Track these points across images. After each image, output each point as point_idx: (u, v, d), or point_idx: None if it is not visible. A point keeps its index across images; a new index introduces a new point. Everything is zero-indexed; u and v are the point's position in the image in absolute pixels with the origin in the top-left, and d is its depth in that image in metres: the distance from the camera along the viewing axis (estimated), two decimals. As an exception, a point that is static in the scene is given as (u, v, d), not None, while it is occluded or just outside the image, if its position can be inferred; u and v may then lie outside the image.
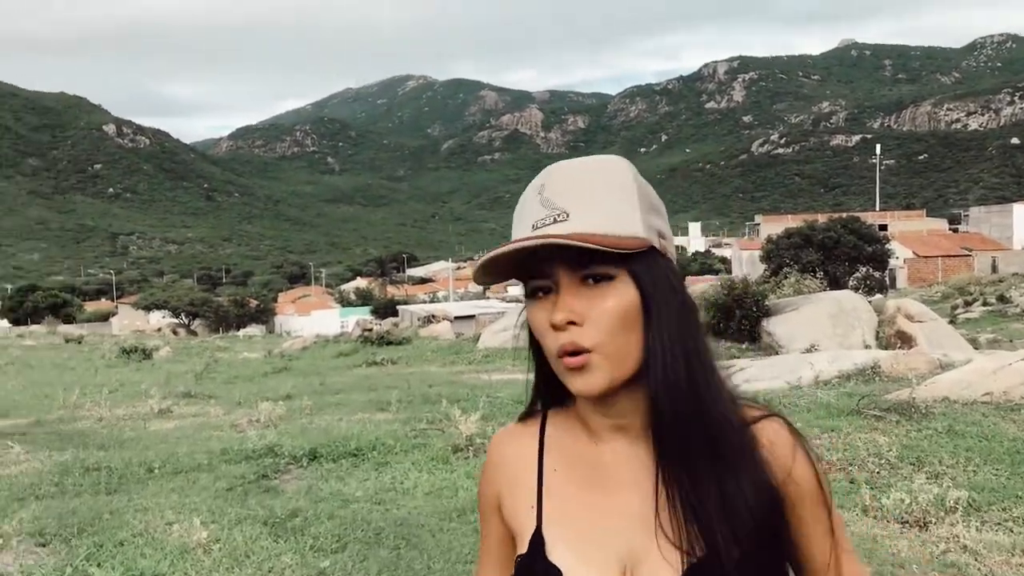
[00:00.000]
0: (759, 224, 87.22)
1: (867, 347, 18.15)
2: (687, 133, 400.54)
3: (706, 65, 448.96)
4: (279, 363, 21.39)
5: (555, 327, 1.05)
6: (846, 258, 43.66)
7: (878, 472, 6.65)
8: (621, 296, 1.05)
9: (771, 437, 1.10)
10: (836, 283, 37.70)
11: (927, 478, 6.36)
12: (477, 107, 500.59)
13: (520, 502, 1.19)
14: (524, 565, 1.14)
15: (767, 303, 20.54)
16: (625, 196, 1.09)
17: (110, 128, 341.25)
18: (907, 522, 5.34)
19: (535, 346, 1.16)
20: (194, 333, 56.21)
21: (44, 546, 5.33)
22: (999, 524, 5.31)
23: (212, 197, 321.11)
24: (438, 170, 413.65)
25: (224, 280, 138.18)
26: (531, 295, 1.11)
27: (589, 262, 1.05)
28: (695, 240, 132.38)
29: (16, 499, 6.58)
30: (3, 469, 7.88)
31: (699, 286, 27.23)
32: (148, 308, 66.67)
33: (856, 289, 38.15)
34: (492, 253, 1.06)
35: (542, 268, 1.08)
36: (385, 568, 4.70)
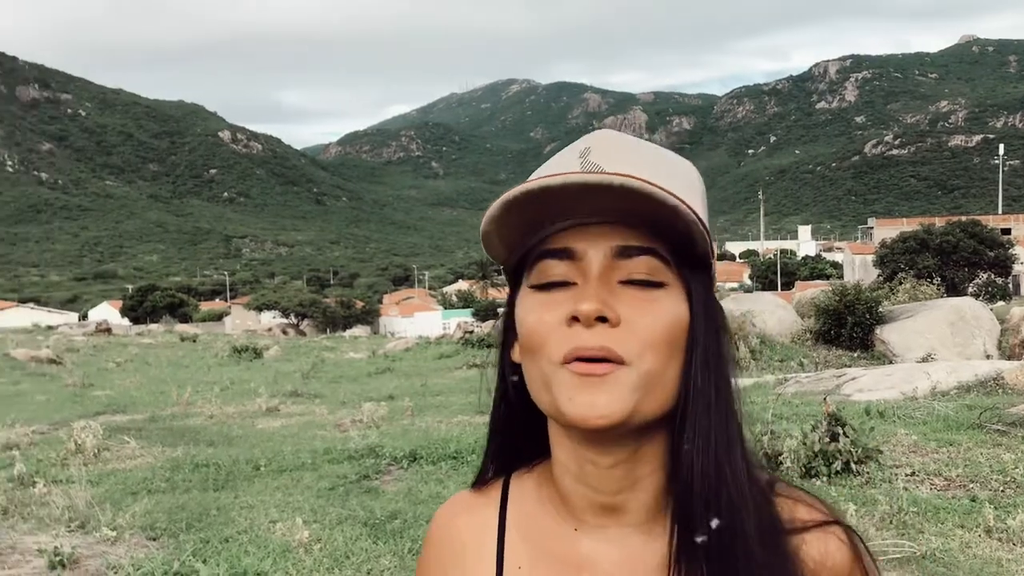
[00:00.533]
0: (872, 227, 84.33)
1: (988, 357, 17.31)
2: (796, 134, 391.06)
3: (817, 64, 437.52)
4: (382, 364, 21.70)
5: (578, 319, 0.74)
6: (965, 263, 41.87)
7: (1003, 491, 6.27)
8: (673, 307, 0.76)
9: (820, 554, 0.79)
10: (954, 289, 36.10)
11: (1058, 499, 5.96)
12: (580, 110, 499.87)
13: None
14: None
15: (881, 310, 19.83)
16: (696, 191, 0.81)
17: (225, 134, 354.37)
18: (1035, 546, 5.00)
19: (505, 379, 0.87)
20: (303, 333, 57.66)
21: (154, 540, 5.48)
22: None
23: (321, 201, 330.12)
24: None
25: (332, 282, 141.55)
26: (536, 286, 0.79)
27: (642, 250, 0.76)
28: (805, 244, 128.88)
29: (130, 493, 6.80)
30: (120, 463, 8.18)
31: (809, 292, 26.47)
32: (259, 308, 68.75)
33: (976, 296, 36.43)
34: (527, 185, 0.75)
35: (572, 242, 0.77)
36: None
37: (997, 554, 4.91)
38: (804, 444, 6.90)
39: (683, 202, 0.72)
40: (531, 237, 0.79)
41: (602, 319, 0.73)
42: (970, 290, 38.87)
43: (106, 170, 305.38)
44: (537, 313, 0.77)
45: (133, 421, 11.29)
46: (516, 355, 0.82)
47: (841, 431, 7.00)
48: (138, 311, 73.68)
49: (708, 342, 0.77)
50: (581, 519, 0.82)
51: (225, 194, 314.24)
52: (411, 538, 5.33)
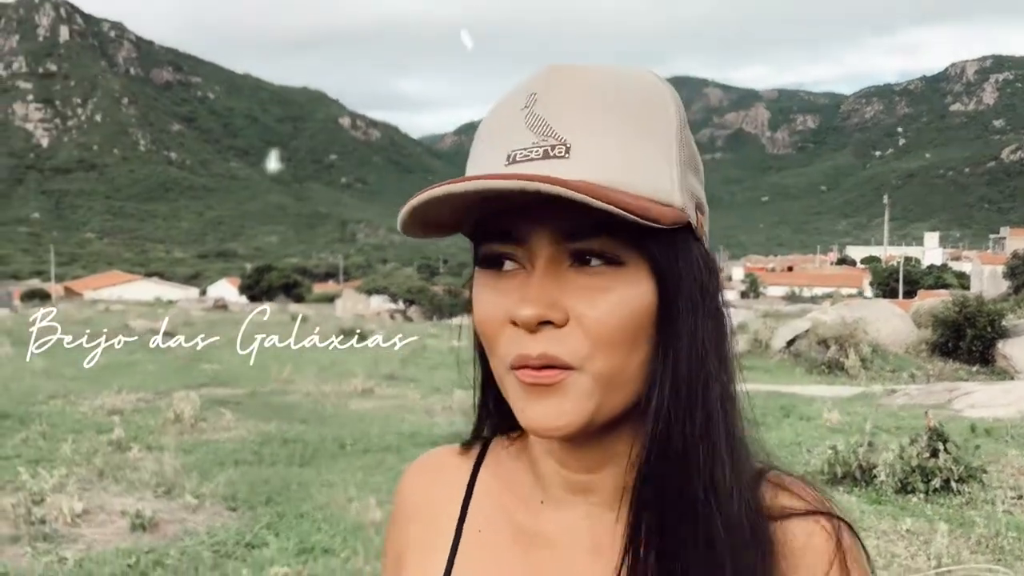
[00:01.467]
0: (1005, 237, 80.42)
1: (1122, 379, 16.24)
2: (928, 137, 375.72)
3: (953, 65, 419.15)
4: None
5: (517, 324, 0.64)
6: (1104, 278, 39.44)
7: (1124, 523, 5.82)
8: (631, 291, 0.65)
9: (801, 545, 0.70)
10: (1091, 306, 34.03)
11: None
12: (700, 104, 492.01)
13: (424, 558, 0.80)
14: None
15: (1004, 323, 18.81)
16: (661, 137, 0.68)
17: (345, 121, 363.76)
18: None
19: (481, 366, 0.80)
20: (409, 319, 58.64)
21: (233, 510, 5.61)
22: None
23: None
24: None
25: (441, 270, 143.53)
26: (487, 262, 0.68)
27: (590, 233, 0.64)
28: (931, 252, 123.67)
29: (218, 463, 6.98)
30: (213, 434, 8.42)
31: (928, 301, 25.37)
32: (370, 292, 70.13)
33: (1114, 314, 34.25)
34: (432, 191, 0.62)
35: (511, 226, 0.66)
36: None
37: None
38: (901, 458, 6.56)
39: (610, 191, 0.61)
40: (466, 222, 0.69)
41: (548, 321, 0.64)
42: (1108, 307, 36.62)
43: (231, 152, 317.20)
44: (486, 302, 0.68)
45: (234, 395, 11.61)
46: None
47: (942, 447, 6.64)
48: (255, 289, 76.18)
49: (687, 322, 0.67)
50: (549, 492, 0.76)
51: (343, 179, 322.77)
52: (481, 527, 5.31)
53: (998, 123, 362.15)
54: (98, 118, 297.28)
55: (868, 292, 74.91)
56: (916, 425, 8.72)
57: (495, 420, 0.83)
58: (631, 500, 0.69)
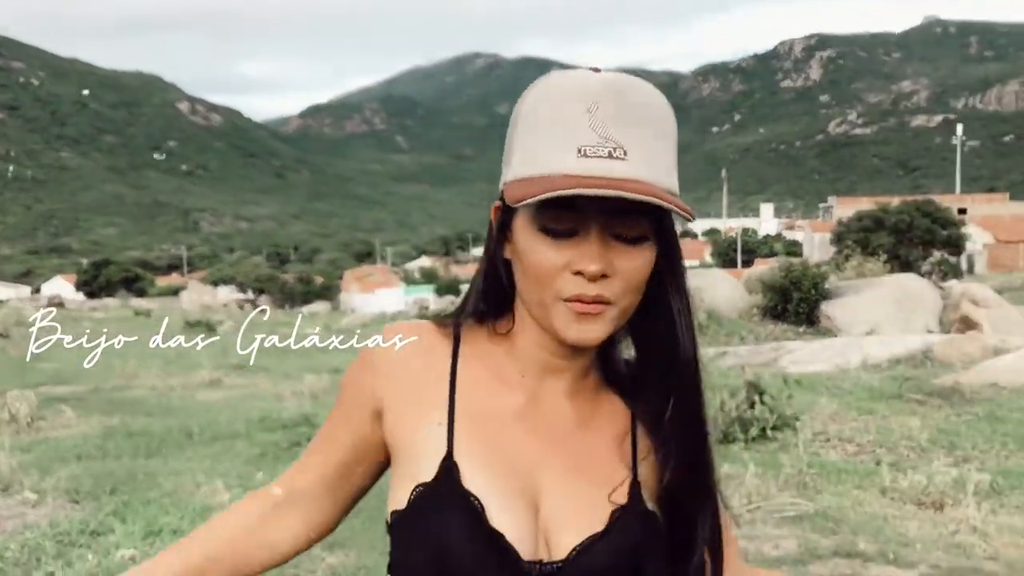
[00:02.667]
0: (832, 206, 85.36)
1: (930, 332, 17.74)
2: (761, 113, 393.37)
3: (782, 43, 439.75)
4: (333, 339, 21.74)
5: (580, 274, 0.92)
6: (919, 242, 42.55)
7: (907, 455, 6.55)
8: (648, 258, 0.96)
9: None
10: (908, 267, 36.57)
11: (954, 462, 6.24)
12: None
13: (420, 412, 1.01)
14: (431, 494, 0.97)
15: (827, 286, 20.19)
16: (672, 146, 0.98)
17: (183, 106, 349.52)
18: (923, 503, 5.25)
19: (491, 264, 1.04)
20: (264, 310, 57.43)
21: (76, 503, 5.56)
22: (1017, 507, 5.21)
23: (282, 175, 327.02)
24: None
25: (292, 258, 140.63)
26: (546, 230, 0.94)
27: (635, 217, 0.94)
28: (767, 223, 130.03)
29: (59, 459, 6.85)
30: (53, 432, 8.21)
31: (758, 269, 26.86)
32: (216, 283, 68.28)
33: (929, 274, 37.08)
34: (553, 187, 0.88)
35: (572, 207, 0.92)
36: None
37: (886, 511, 5.16)
38: (722, 411, 7.12)
39: (677, 202, 0.91)
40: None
41: (605, 275, 0.93)
42: (923, 269, 39.63)
43: (61, 141, 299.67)
44: (545, 253, 0.94)
45: (75, 392, 11.26)
46: (507, 253, 1.01)
47: (758, 399, 7.24)
48: (93, 285, 72.80)
49: (681, 275, 1.02)
50: (528, 370, 1.04)
51: (184, 167, 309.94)
52: (329, 500, 5.47)
53: (824, 98, 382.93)
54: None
55: (709, 262, 78.18)
56: (741, 383, 9.40)
57: (483, 308, 1.06)
58: (637, 386, 1.05)
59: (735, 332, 18.24)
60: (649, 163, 0.92)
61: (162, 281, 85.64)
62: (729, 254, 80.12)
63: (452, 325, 1.06)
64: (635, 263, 0.94)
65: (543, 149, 0.93)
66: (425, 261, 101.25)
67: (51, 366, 15.10)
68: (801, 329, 19.17)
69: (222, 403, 10.14)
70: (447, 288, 58.89)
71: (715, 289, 20.65)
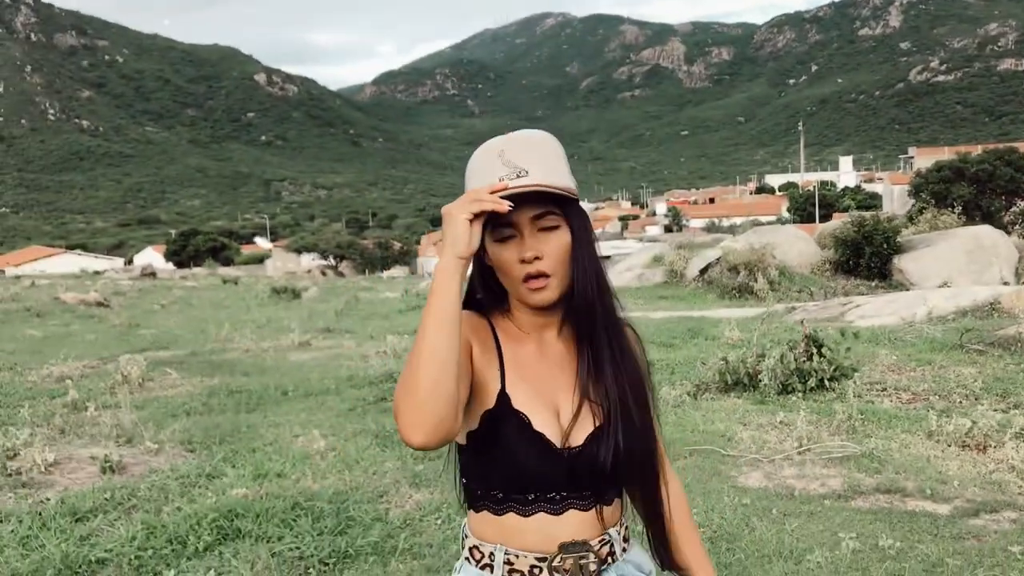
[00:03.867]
0: (913, 157, 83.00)
1: (1005, 283, 17.61)
2: (839, 62, 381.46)
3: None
4: (414, 301, 22.43)
5: (524, 261, 1.49)
6: (1002, 191, 41.40)
7: (959, 403, 6.82)
8: (563, 239, 1.51)
9: (630, 336, 1.65)
10: (990, 218, 35.77)
11: (1005, 407, 6.51)
12: (617, 42, 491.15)
13: (487, 363, 1.54)
14: (495, 415, 1.50)
15: (899, 240, 20.09)
16: (562, 161, 1.54)
17: (261, 77, 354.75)
18: (967, 445, 5.58)
19: (477, 272, 1.62)
20: (341, 274, 58.75)
21: (191, 452, 6.25)
22: (1058, 449, 5.49)
23: (358, 143, 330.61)
24: (577, 109, 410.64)
25: (370, 224, 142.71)
26: (496, 239, 1.51)
27: (546, 212, 1.49)
28: (845, 175, 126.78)
29: (170, 415, 7.58)
30: (162, 392, 8.99)
31: (831, 224, 26.64)
32: (299, 251, 69.97)
33: (1012, 224, 36.12)
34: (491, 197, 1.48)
35: (509, 218, 1.47)
36: (470, 473, 5.35)
37: (928, 452, 5.50)
38: (781, 363, 7.48)
39: (565, 190, 1.49)
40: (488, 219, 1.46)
41: (538, 257, 1.49)
42: (1005, 219, 38.62)
43: (146, 116, 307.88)
44: (502, 254, 1.52)
45: (175, 356, 12.10)
46: (488, 261, 1.57)
47: (817, 352, 7.57)
48: (181, 255, 75.20)
49: (585, 244, 1.53)
50: (528, 331, 1.60)
51: (263, 137, 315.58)
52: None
53: (904, 45, 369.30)
54: (0, 88, 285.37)
55: (786, 216, 76.95)
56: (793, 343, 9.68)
57: (483, 298, 1.63)
58: (573, 321, 1.58)
59: (806, 287, 18.35)
60: (544, 173, 1.47)
61: (247, 249, 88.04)
62: (807, 208, 78.70)
63: (483, 313, 1.63)
64: (555, 243, 1.50)
65: (480, 184, 1.47)
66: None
67: (151, 332, 16.10)
68: (873, 284, 19.17)
69: (312, 363, 10.84)
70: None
71: (787, 245, 20.73)
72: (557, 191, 1.47)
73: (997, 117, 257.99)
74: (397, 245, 73.14)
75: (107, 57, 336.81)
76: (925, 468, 5.17)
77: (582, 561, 1.51)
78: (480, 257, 1.58)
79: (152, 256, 79.82)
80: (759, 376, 7.55)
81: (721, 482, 5.13)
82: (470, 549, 1.57)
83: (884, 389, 7.44)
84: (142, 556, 4.03)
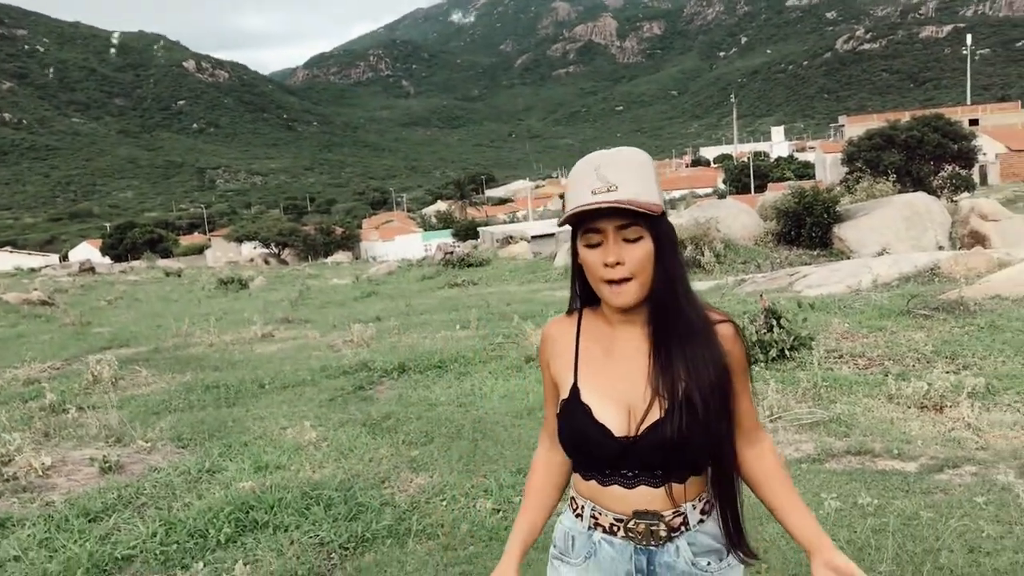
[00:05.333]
0: (843, 125, 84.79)
1: (940, 248, 18.31)
2: (767, 33, 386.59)
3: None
4: (367, 288, 22.53)
5: (608, 265, 1.70)
6: (931, 157, 42.59)
7: (912, 366, 7.24)
8: (645, 248, 1.70)
9: (723, 332, 1.77)
10: (920, 184, 36.85)
11: (955, 369, 6.94)
12: (549, 19, 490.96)
13: (563, 365, 1.84)
14: (566, 405, 1.80)
15: (838, 209, 20.68)
16: (650, 176, 1.73)
17: (190, 64, 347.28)
18: (925, 406, 5.97)
19: (576, 269, 1.85)
20: (284, 262, 58.26)
21: (184, 448, 6.38)
22: (1008, 406, 5.91)
23: (292, 127, 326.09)
24: (513, 87, 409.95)
25: (309, 209, 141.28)
26: (586, 244, 1.74)
27: (630, 224, 1.69)
28: (777, 146, 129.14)
29: (152, 413, 7.66)
30: (136, 390, 9.03)
31: (771, 195, 27.28)
32: (240, 240, 69.12)
33: (941, 189, 37.30)
34: (577, 208, 1.70)
35: (596, 224, 1.71)
36: (465, 455, 5.59)
37: (891, 415, 5.89)
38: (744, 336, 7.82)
39: (648, 206, 1.66)
40: (578, 222, 1.75)
41: (619, 263, 1.69)
42: (935, 183, 39.84)
43: (71, 107, 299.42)
44: (588, 257, 1.74)
45: (138, 353, 12.07)
46: (579, 262, 1.80)
47: (776, 323, 7.94)
48: (118, 249, 73.86)
49: (667, 255, 1.73)
50: (615, 326, 1.82)
51: (195, 125, 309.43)
52: (404, 432, 6.26)
53: (830, 15, 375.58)
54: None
55: (722, 188, 78.17)
56: (759, 309, 10.09)
57: (580, 299, 1.89)
58: (655, 324, 1.76)
59: (751, 259, 18.86)
60: (632, 190, 1.68)
61: (185, 240, 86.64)
62: (742, 179, 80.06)
63: (576, 312, 1.90)
64: (637, 253, 1.70)
65: (576, 193, 1.72)
66: (441, 205, 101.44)
67: (106, 330, 15.95)
68: (815, 253, 19.73)
69: (280, 355, 10.93)
70: (465, 232, 59.36)
71: (730, 219, 21.21)
72: (638, 208, 1.67)
73: (921, 83, 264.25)
74: (339, 230, 72.55)
75: (27, 47, 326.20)
76: (890, 430, 5.55)
77: (652, 527, 1.76)
78: (575, 257, 1.83)
79: (88, 251, 78.18)
80: (723, 349, 7.88)
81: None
82: (571, 499, 1.89)
83: (841, 356, 7.84)
84: (167, 551, 4.20)
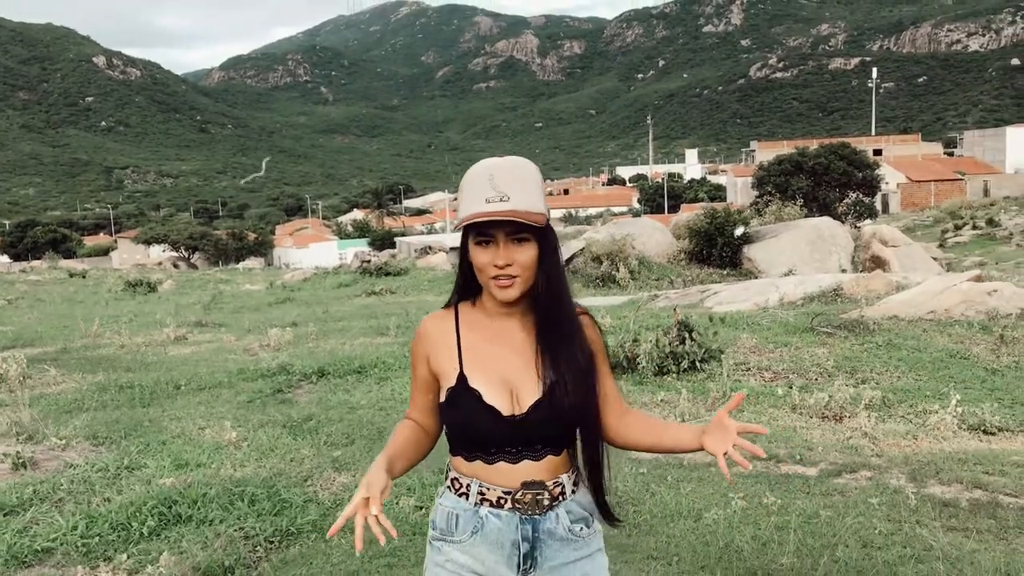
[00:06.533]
0: (755, 150, 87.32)
1: (843, 271, 19.08)
2: (684, 58, 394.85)
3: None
4: (282, 294, 22.30)
5: (497, 266, 1.89)
6: (836, 184, 44.23)
7: (815, 379, 7.62)
8: (531, 251, 1.90)
9: (586, 321, 2.05)
10: (826, 209, 38.27)
11: (854, 383, 7.33)
12: (471, 33, 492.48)
13: (445, 357, 2.00)
14: (453, 393, 1.96)
15: (748, 230, 21.38)
16: (538, 188, 1.94)
17: (100, 60, 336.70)
18: (826, 416, 6.33)
19: (463, 267, 2.01)
20: (194, 267, 57.05)
21: (100, 446, 6.30)
22: (902, 417, 6.31)
23: (205, 129, 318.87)
24: (433, 99, 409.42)
25: (220, 213, 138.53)
26: (477, 243, 1.92)
27: (519, 230, 1.89)
28: (691, 168, 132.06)
29: (64, 411, 7.54)
30: (46, 388, 8.85)
31: (684, 215, 27.99)
32: (148, 242, 67.35)
33: (845, 215, 38.79)
34: (472, 218, 1.87)
35: (488, 228, 1.89)
36: (387, 456, 5.68)
37: (794, 423, 6.21)
38: (657, 347, 8.12)
39: (533, 215, 1.86)
40: (471, 227, 1.92)
41: (508, 264, 1.87)
42: (840, 210, 41.38)
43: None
44: (479, 257, 1.90)
45: (45, 353, 11.77)
46: (470, 258, 1.94)
47: (688, 336, 8.25)
48: (18, 247, 71.24)
49: (549, 257, 1.93)
50: (494, 317, 2.00)
51: (103, 123, 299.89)
52: (325, 434, 6.32)
53: (745, 42, 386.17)
54: None
55: (637, 207, 79.61)
56: (672, 322, 10.42)
57: (463, 294, 2.05)
58: (534, 313, 1.99)
59: (664, 276, 19.35)
60: (522, 201, 1.86)
61: (90, 241, 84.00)
62: (656, 199, 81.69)
63: (453, 306, 2.06)
64: (524, 255, 1.89)
65: (469, 201, 1.89)
66: (357, 214, 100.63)
67: (8, 328, 15.46)
68: (725, 272, 20.36)
69: (195, 358, 10.82)
70: (382, 241, 59.06)
71: (645, 236, 21.74)
72: (526, 220, 1.86)
73: (829, 113, 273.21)
74: (252, 235, 71.41)
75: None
76: (793, 437, 5.86)
77: (538, 496, 1.95)
78: (464, 255, 1.98)
79: (-15, 248, 75.07)
80: (637, 359, 8.16)
81: (617, 455, 5.65)
82: (451, 480, 2.02)
83: (748, 369, 8.19)
84: (88, 543, 4.19)
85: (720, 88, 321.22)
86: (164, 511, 4.50)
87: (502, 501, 1.95)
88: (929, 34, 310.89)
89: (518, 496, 1.94)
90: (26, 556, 4.10)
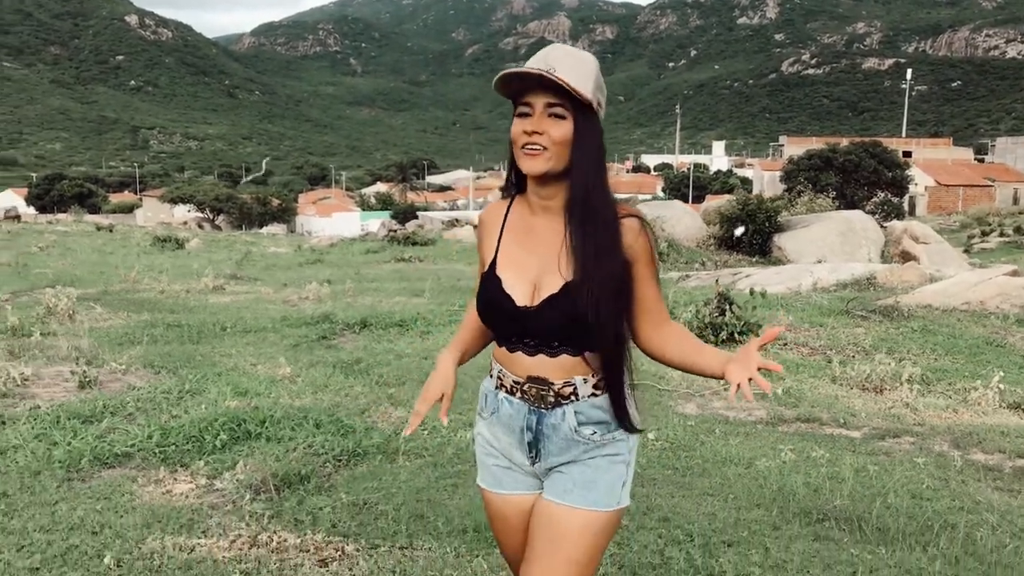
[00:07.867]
0: (783, 145, 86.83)
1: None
2: (717, 49, 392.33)
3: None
4: (311, 256, 22.51)
5: (527, 133, 1.88)
6: (865, 182, 44.00)
7: (853, 355, 7.73)
8: (565, 128, 1.88)
9: (629, 224, 1.95)
10: (853, 207, 38.11)
11: (893, 360, 7.44)
12: (504, 12, 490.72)
13: (489, 245, 2.07)
14: (483, 277, 2.05)
15: (779, 219, 21.41)
16: (589, 73, 1.90)
17: (132, 19, 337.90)
18: (867, 388, 6.44)
19: (512, 155, 1.97)
20: (219, 228, 57.41)
21: (157, 374, 6.50)
22: (941, 393, 6.42)
23: (233, 94, 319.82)
24: (461, 76, 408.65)
25: (244, 179, 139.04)
26: (517, 115, 1.91)
27: (558, 104, 1.86)
28: (718, 159, 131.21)
29: (118, 344, 7.73)
30: (95, 323, 9.04)
31: (715, 202, 28.00)
32: (174, 201, 67.76)
33: (873, 213, 38.52)
34: (512, 70, 1.88)
35: (528, 98, 1.89)
36: (440, 397, 5.84)
37: (836, 392, 6.33)
38: (697, 317, 8.24)
39: (575, 90, 1.84)
40: (512, 95, 1.94)
41: (536, 132, 1.88)
42: (867, 208, 41.21)
43: (3, 50, 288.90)
44: (516, 126, 1.91)
45: (87, 293, 11.97)
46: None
47: (728, 308, 8.37)
48: (44, 200, 71.90)
49: (587, 143, 1.90)
50: (535, 211, 2.02)
51: (132, 82, 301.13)
52: (376, 375, 6.48)
53: (779, 37, 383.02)
54: None
55: (662, 196, 79.34)
56: (707, 298, 10.52)
57: (515, 185, 2.09)
58: (567, 209, 1.94)
59: (693, 260, 19.43)
60: (569, 75, 1.84)
61: (115, 198, 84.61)
62: (681, 189, 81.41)
63: (510, 198, 2.11)
64: (558, 130, 1.87)
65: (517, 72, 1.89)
66: (381, 187, 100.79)
67: (47, 271, 15.72)
68: (754, 259, 20.42)
69: (235, 305, 11.01)
70: (404, 215, 59.22)
71: (675, 220, 21.80)
72: (564, 85, 1.84)
73: (859, 112, 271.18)
74: (276, 201, 71.70)
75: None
76: (835, 404, 5.99)
77: (542, 392, 1.99)
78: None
79: (13, 199, 75.81)
80: (677, 328, 8.27)
81: (663, 410, 5.81)
82: (491, 364, 2.12)
83: (786, 344, 8.30)
84: (165, 451, 4.38)
85: (751, 81, 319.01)
86: (234, 427, 4.67)
87: (514, 389, 2.02)
88: (967, 38, 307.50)
89: (524, 388, 2.00)
90: (107, 458, 4.28)
